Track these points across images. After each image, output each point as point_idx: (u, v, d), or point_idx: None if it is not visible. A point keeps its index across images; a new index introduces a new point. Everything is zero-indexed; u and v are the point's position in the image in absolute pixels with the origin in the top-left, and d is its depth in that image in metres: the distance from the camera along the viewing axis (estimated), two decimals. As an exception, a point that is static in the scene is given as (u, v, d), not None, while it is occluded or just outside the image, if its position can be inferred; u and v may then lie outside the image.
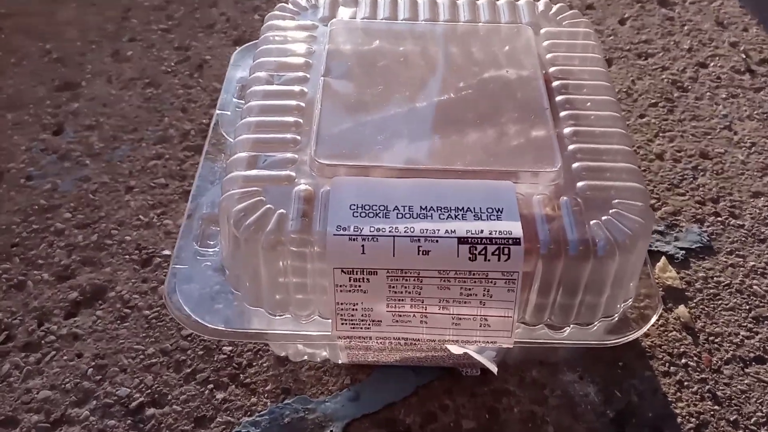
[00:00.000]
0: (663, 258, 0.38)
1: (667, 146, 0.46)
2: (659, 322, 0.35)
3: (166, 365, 0.35)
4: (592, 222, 0.26)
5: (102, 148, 0.47)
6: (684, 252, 0.39)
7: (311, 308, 0.28)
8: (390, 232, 0.25)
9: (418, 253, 0.25)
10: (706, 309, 0.36)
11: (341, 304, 0.26)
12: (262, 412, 0.32)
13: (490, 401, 0.33)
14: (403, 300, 0.26)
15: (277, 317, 0.28)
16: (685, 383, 0.33)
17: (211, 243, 0.31)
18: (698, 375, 0.34)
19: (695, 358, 0.34)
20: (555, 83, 0.32)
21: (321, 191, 0.27)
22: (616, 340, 0.28)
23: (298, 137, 0.29)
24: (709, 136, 0.46)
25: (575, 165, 0.28)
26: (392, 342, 0.27)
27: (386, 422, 0.32)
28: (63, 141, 0.47)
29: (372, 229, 0.25)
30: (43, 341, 0.36)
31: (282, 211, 0.26)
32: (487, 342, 0.27)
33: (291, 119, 0.30)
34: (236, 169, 0.28)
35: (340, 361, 0.34)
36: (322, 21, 0.36)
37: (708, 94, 0.50)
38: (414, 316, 0.27)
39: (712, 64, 0.52)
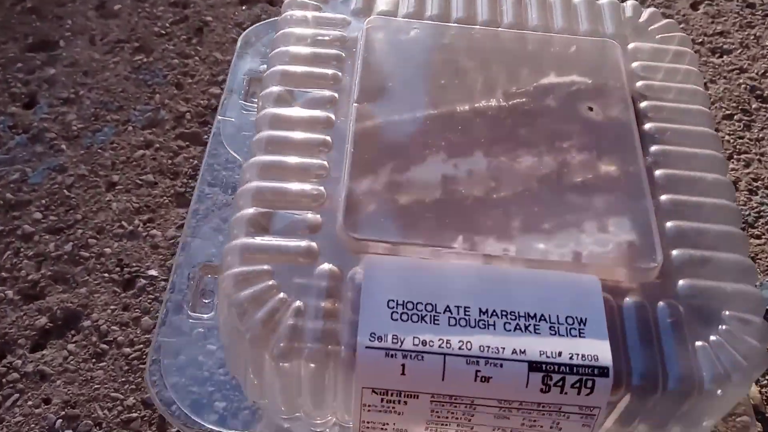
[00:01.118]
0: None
1: (741, 172, 0.39)
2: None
3: (149, 421, 0.30)
4: (697, 344, 0.20)
5: (81, 130, 0.40)
6: None
7: (330, 414, 0.22)
8: (440, 347, 0.20)
9: (476, 380, 0.20)
10: (781, 389, 0.32)
11: (368, 423, 0.21)
12: (260, 497, 0.28)
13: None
14: (447, 425, 0.21)
15: (286, 419, 0.23)
16: (754, 486, 0.29)
17: (207, 302, 0.25)
18: (768, 473, 0.29)
19: (766, 453, 0.30)
20: (647, 126, 0.25)
21: (349, 275, 0.21)
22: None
23: (322, 190, 0.23)
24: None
25: (675, 253, 0.22)
26: (427, 465, 0.22)
27: None
28: (36, 117, 0.40)
29: (416, 342, 0.20)
30: (4, 379, 0.31)
31: (299, 304, 0.20)
32: (547, 474, 0.22)
33: (314, 162, 0.23)
34: (241, 232, 0.22)
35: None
36: (355, 15, 0.28)
37: (793, 109, 0.43)
38: (459, 440, 0.21)
39: (798, 69, 0.45)
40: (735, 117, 0.42)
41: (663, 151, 0.25)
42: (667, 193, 0.24)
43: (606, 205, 0.23)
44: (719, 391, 0.20)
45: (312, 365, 0.20)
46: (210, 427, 0.22)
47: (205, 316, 0.25)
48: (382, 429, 0.21)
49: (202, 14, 0.46)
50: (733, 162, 0.40)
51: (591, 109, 0.25)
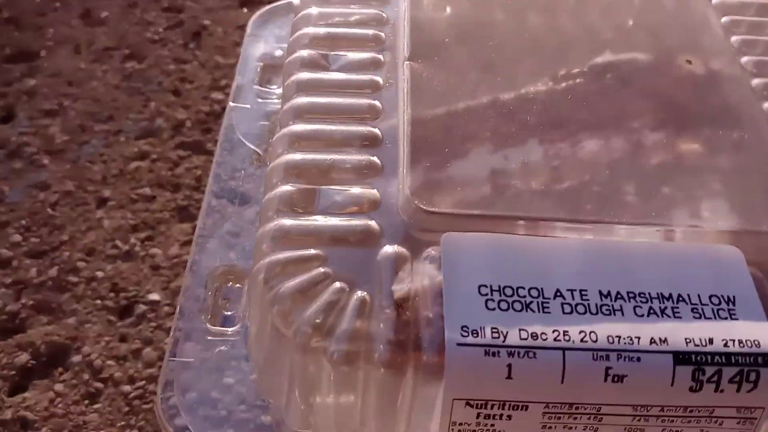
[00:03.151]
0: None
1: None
2: None
3: (156, 474, 0.24)
4: None
5: (66, 143, 0.35)
6: None
7: (397, 438, 0.17)
8: (556, 340, 0.15)
9: (606, 380, 0.15)
10: None
11: (458, 448, 0.16)
12: None
13: None
14: (562, 444, 0.16)
15: (341, 452, 0.18)
16: None
17: (230, 314, 0.20)
18: None
19: None
20: (754, 81, 0.21)
21: (423, 257, 0.16)
22: None
23: (377, 160, 0.18)
24: None
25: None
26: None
27: None
28: (14, 131, 0.36)
29: (524, 335, 0.15)
30: (-24, 431, 0.25)
31: (362, 295, 0.16)
32: (687, 503, 0.17)
33: (362, 129, 0.19)
34: (277, 213, 0.17)
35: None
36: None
37: None
38: (576, 465, 0.16)
39: None
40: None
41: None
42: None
43: (731, 160, 0.18)
44: None
45: (384, 372, 0.15)
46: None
47: (230, 330, 0.20)
48: (474, 457, 0.16)
49: (199, 19, 0.42)
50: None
51: (690, 62, 0.21)
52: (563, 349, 0.15)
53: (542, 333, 0.15)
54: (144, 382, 0.26)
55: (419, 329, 0.15)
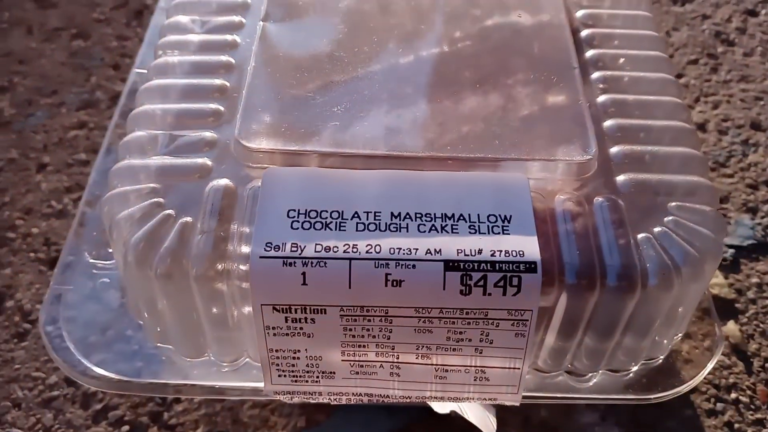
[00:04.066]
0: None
1: (710, 114, 0.37)
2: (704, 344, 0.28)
3: (71, 399, 0.27)
4: (639, 236, 0.18)
5: (13, 116, 0.38)
6: (733, 251, 0.31)
7: (238, 350, 0.20)
8: (345, 252, 0.17)
9: (386, 284, 0.17)
10: (762, 326, 0.29)
11: (276, 351, 0.18)
12: (188, 470, 0.25)
13: (486, 453, 0.25)
14: (365, 346, 0.18)
15: (192, 361, 0.20)
16: (736, 425, 0.26)
17: (112, 251, 0.23)
18: (752, 414, 0.26)
19: (749, 392, 0.27)
20: (584, 32, 0.23)
21: (248, 189, 0.19)
22: (660, 395, 0.20)
23: (222, 108, 0.21)
24: (762, 102, 0.38)
25: (614, 150, 0.20)
26: (351, 398, 0.20)
27: (351, 482, 0.25)
28: (-34, 105, 0.39)
29: (319, 249, 0.17)
30: None
31: (187, 219, 0.18)
32: (484, 399, 0.20)
33: (213, 82, 0.21)
34: (129, 154, 0.20)
35: (292, 400, 0.26)
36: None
37: (759, 49, 0.41)
38: (381, 366, 0.19)
39: (764, 11, 0.43)
40: (700, 61, 0.40)
41: (600, 55, 0.23)
42: (603, 92, 0.21)
43: (536, 100, 0.20)
44: (666, 286, 0.18)
45: (204, 286, 0.18)
46: (106, 375, 0.20)
47: (110, 263, 0.22)
48: (294, 358, 0.19)
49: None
50: (700, 105, 0.38)
51: (520, 15, 0.23)
52: (350, 259, 0.17)
53: (334, 247, 0.17)
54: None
55: (232, 247, 0.18)
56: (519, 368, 0.19)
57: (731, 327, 0.28)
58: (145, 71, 0.28)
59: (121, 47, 0.41)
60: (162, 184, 0.19)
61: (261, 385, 0.19)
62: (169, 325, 0.19)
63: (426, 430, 0.26)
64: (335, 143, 0.19)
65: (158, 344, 0.20)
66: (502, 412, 0.26)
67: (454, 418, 0.26)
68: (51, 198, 0.34)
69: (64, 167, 0.35)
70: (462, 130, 0.20)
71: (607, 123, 0.21)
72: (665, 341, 0.20)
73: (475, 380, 0.19)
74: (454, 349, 0.18)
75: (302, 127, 0.20)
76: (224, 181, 0.19)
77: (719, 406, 0.26)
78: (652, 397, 0.20)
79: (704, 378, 0.27)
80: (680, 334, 0.21)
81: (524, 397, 0.19)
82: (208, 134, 0.20)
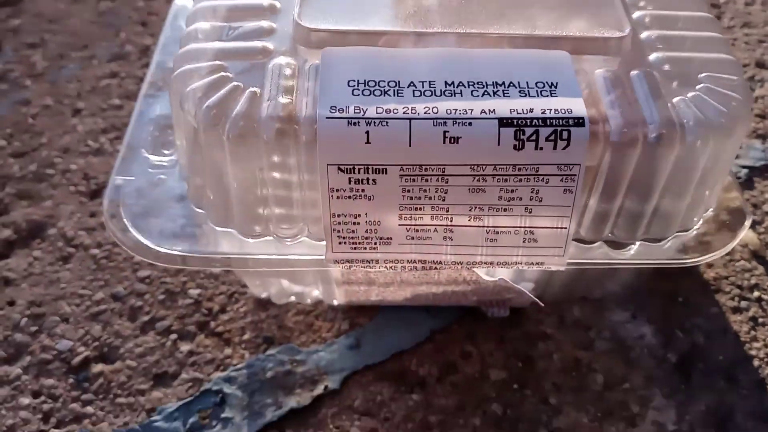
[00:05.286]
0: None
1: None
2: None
3: (119, 313, 0.28)
4: (675, 99, 0.20)
5: (46, 68, 0.39)
6: (747, 171, 0.32)
7: (298, 225, 0.21)
8: (405, 113, 0.19)
9: (444, 141, 0.18)
10: (778, 235, 0.30)
11: (338, 216, 0.20)
12: (238, 366, 0.26)
13: (523, 347, 0.26)
14: (421, 209, 0.20)
15: (253, 240, 0.21)
16: (760, 320, 0.27)
17: (168, 152, 0.24)
18: (774, 312, 0.28)
19: (770, 293, 0.28)
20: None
21: (308, 66, 0.20)
22: (698, 259, 0.21)
23: (277, 5, 0.22)
24: (765, 44, 0.40)
25: (645, 34, 0.22)
26: (406, 266, 0.21)
27: (395, 374, 0.26)
28: (0, 61, 0.40)
29: (380, 110, 0.19)
30: (-34, 289, 0.29)
31: (254, 89, 0.19)
32: (532, 263, 0.21)
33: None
34: (192, 41, 0.21)
35: (335, 302, 0.27)
36: None
37: (758, -3, 0.43)
38: (435, 230, 0.20)
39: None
40: (702, 12, 0.42)
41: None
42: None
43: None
44: (703, 141, 0.19)
45: (273, 149, 0.19)
46: (166, 250, 0.21)
47: (166, 160, 0.24)
48: (354, 223, 0.20)
49: (166, -38, 0.46)
50: (704, 48, 0.40)
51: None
52: (410, 119, 0.18)
53: (394, 109, 0.19)
54: (110, 246, 0.30)
55: (299, 111, 0.19)
56: (566, 227, 0.20)
57: (750, 235, 0.30)
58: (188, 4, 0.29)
59: (148, 7, 0.43)
60: (227, 62, 0.20)
61: (322, 256, 0.21)
62: (233, 201, 0.20)
63: (466, 330, 0.27)
64: (390, 23, 0.21)
65: (220, 228, 0.21)
66: (537, 312, 0.27)
67: (491, 318, 0.27)
68: (88, 138, 0.35)
69: (99, 111, 0.36)
70: (507, 13, 0.21)
71: (637, 13, 0.22)
72: (698, 215, 0.22)
73: (524, 242, 0.20)
74: (505, 209, 0.20)
75: (358, 9, 0.21)
76: (286, 59, 0.20)
77: (743, 303, 0.28)
78: (688, 260, 0.21)
79: (728, 280, 0.29)
80: (711, 209, 0.22)
81: (569, 264, 0.21)
82: (266, 23, 0.21)
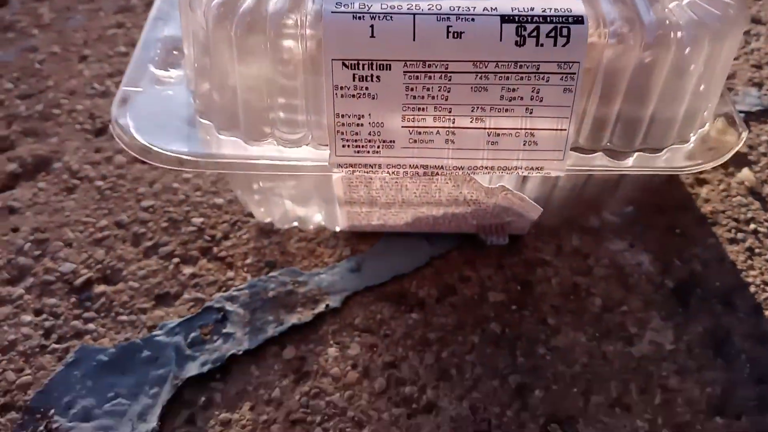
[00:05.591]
0: (721, 118, 0.32)
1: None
2: (720, 187, 0.30)
3: (122, 239, 0.28)
4: (671, 5, 0.20)
5: (53, 19, 0.40)
6: (743, 115, 0.33)
7: (302, 131, 0.21)
8: (409, 8, 0.19)
9: (447, 36, 0.19)
10: (774, 175, 0.31)
11: (342, 117, 0.20)
12: (240, 287, 0.26)
13: (522, 272, 0.27)
14: (424, 109, 0.20)
15: (256, 145, 0.22)
16: (757, 250, 0.28)
17: (173, 71, 0.25)
18: (770, 246, 0.28)
19: (766, 224, 0.29)
20: None
21: (314, -28, 0.21)
22: (697, 166, 0.22)
23: None
24: (761, 2, 0.40)
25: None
26: (408, 171, 0.21)
27: (395, 296, 0.26)
28: (7, 13, 0.40)
29: (384, 5, 0.19)
30: (-29, 217, 0.29)
31: (262, -12, 0.20)
32: (532, 168, 0.21)
33: None
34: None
35: (337, 228, 0.28)
36: None
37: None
38: (438, 132, 0.20)
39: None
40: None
41: None
42: None
43: None
44: (698, 43, 0.19)
45: (280, 44, 0.19)
46: (170, 152, 0.21)
47: (173, 77, 0.24)
48: (358, 125, 0.20)
49: None
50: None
51: None
52: (414, 14, 0.19)
53: (398, 5, 0.19)
54: (114, 178, 0.31)
55: (305, 6, 0.19)
56: (565, 129, 0.20)
57: (746, 173, 0.30)
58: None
59: (154, -37, 0.43)
60: (235, -33, 0.20)
61: (324, 162, 0.21)
62: (239, 102, 0.21)
63: (465, 256, 0.27)
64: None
65: (225, 135, 0.22)
66: (535, 240, 0.28)
67: (490, 245, 0.27)
68: (94, 81, 0.35)
69: (106, 58, 0.37)
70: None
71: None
72: (694, 127, 0.22)
73: (524, 145, 0.21)
74: (506, 110, 0.20)
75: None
76: (291, -37, 0.21)
77: (740, 235, 0.28)
78: (684, 167, 0.21)
79: (725, 214, 0.29)
80: (706, 126, 0.23)
81: (568, 170, 0.21)
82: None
